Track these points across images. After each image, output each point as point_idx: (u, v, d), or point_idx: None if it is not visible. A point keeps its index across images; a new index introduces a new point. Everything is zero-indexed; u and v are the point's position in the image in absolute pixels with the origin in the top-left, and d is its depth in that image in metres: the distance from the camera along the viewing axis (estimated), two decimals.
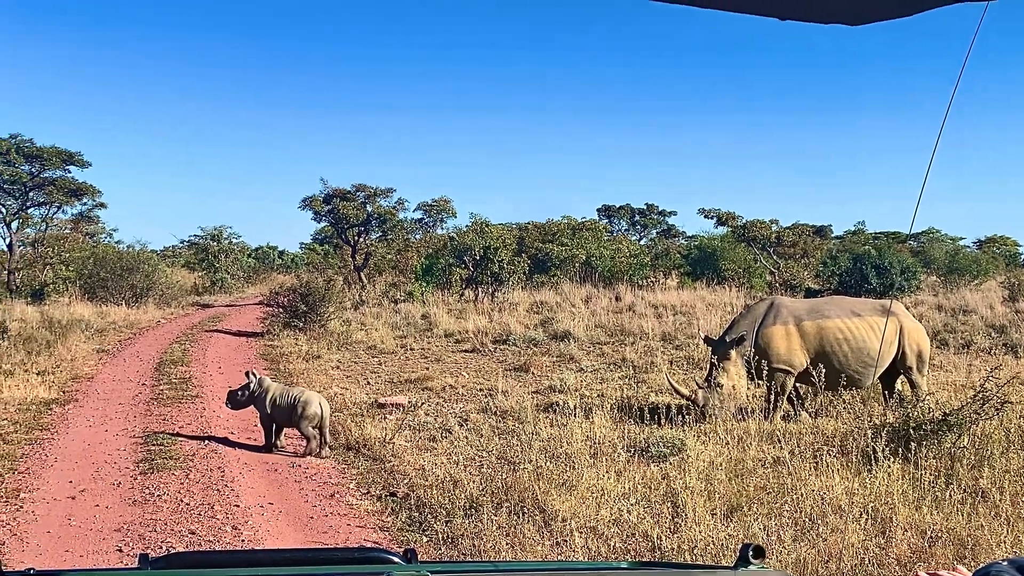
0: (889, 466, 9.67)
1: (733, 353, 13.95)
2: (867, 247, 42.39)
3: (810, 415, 13.90)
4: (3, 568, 1.91)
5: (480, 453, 11.91)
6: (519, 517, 8.77)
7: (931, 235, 61.46)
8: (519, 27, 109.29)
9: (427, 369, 19.80)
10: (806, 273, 42.98)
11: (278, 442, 12.60)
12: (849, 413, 12.74)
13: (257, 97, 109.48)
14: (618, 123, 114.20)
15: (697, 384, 14.19)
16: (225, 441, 12.85)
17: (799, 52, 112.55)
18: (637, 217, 65.74)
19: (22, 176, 41.11)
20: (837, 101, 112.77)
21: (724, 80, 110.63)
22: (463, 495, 9.57)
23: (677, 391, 13.89)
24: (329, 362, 20.99)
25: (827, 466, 9.89)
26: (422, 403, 15.63)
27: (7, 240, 41.38)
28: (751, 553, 2.30)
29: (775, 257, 46.32)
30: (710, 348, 14.65)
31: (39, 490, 10.50)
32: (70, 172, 42.95)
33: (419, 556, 2.75)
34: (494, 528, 8.48)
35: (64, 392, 16.79)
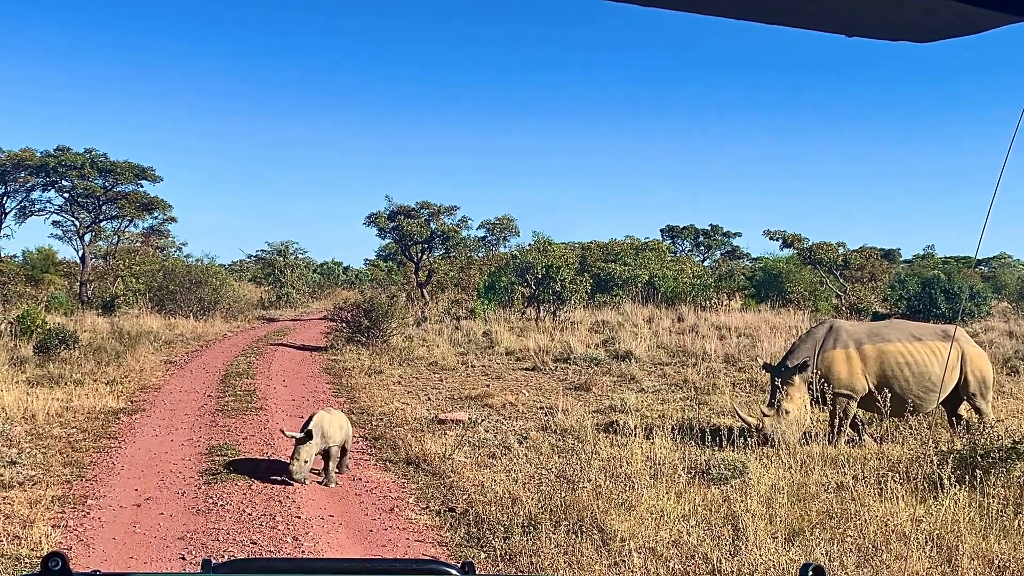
0: (956, 494, 9.47)
1: (797, 379, 13.71)
2: (936, 271, 41.63)
3: (874, 440, 13.68)
4: (71, 569, 1.96)
5: (539, 471, 11.89)
6: (577, 536, 8.75)
7: (1002, 260, 60.28)
8: (581, 46, 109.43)
9: (487, 386, 19.85)
10: (873, 297, 42.33)
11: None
12: (914, 439, 12.52)
13: (324, 114, 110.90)
14: (683, 143, 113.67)
15: (763, 411, 13.90)
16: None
17: (867, 71, 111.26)
18: (701, 238, 65.28)
19: (96, 190, 42.09)
20: (906, 122, 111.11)
21: (790, 100, 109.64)
22: (522, 512, 9.57)
23: (743, 420, 13.67)
24: (391, 377, 21.13)
25: (891, 492, 9.72)
26: (482, 420, 15.66)
27: (80, 252, 42.40)
28: (811, 574, 2.27)
29: (841, 280, 45.72)
30: (770, 374, 14.43)
31: (105, 497, 10.71)
32: (142, 186, 43.96)
33: (476, 571, 2.76)
34: (552, 546, 8.47)
35: (132, 402, 17.10)
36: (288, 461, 11.57)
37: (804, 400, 13.65)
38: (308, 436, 11.21)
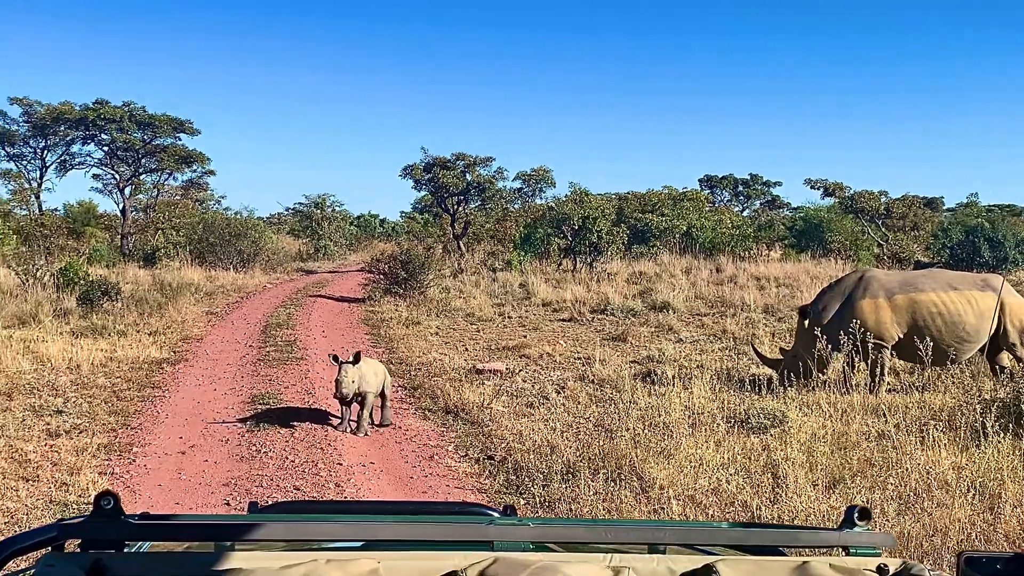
0: (999, 442, 9.38)
1: (806, 323, 14.12)
2: (980, 220, 40.97)
3: (916, 389, 13.60)
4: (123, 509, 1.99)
5: (577, 420, 11.93)
6: (616, 483, 8.78)
7: None
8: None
9: (524, 337, 19.86)
10: (916, 246, 41.83)
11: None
12: (957, 387, 12.41)
13: (360, 67, 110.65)
14: (722, 91, 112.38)
15: (781, 350, 14.96)
16: (328, 402, 13.08)
17: (907, 18, 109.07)
18: (740, 187, 64.63)
19: (135, 143, 42.33)
20: (949, 68, 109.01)
21: (827, 49, 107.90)
22: (560, 460, 9.62)
23: (757, 354, 14.92)
24: (428, 328, 21.21)
25: (934, 440, 9.65)
26: (519, 370, 15.70)
27: (120, 205, 42.79)
28: (856, 515, 2.26)
29: (883, 229, 45.19)
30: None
31: (151, 445, 10.87)
32: (180, 140, 44.15)
33: (518, 514, 2.76)
34: (591, 493, 8.51)
35: (174, 352, 17.30)
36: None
37: (809, 345, 13.72)
38: (357, 359, 11.30)
